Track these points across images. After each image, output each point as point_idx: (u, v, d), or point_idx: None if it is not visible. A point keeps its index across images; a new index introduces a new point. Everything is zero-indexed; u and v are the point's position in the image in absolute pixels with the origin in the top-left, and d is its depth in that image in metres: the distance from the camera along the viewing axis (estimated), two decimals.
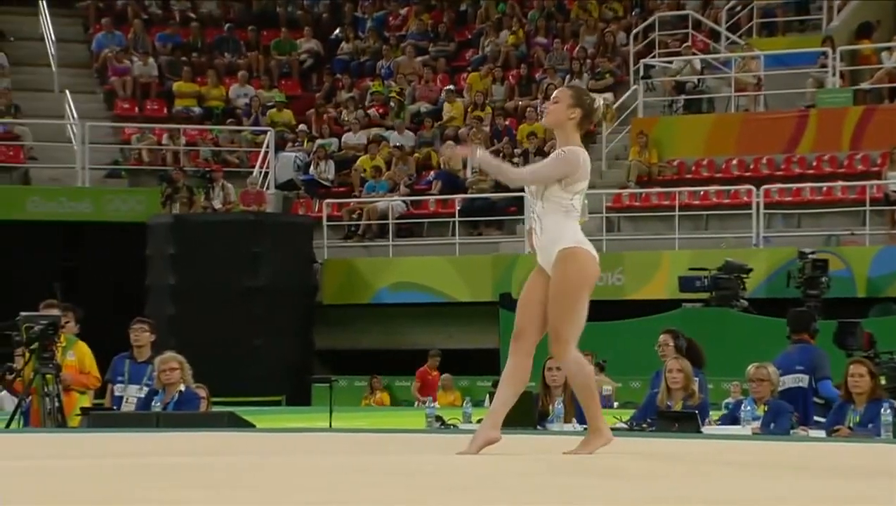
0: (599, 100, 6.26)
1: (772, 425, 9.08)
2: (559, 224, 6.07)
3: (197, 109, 23.78)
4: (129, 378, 10.26)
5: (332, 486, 4.80)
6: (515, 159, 21.58)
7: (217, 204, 21.22)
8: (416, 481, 4.90)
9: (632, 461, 5.83)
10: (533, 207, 6.18)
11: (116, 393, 10.29)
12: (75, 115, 22.54)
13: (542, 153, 21.74)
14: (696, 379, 9.41)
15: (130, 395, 10.16)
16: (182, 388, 9.70)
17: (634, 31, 23.14)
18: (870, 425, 8.56)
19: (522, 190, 21.84)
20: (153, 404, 9.62)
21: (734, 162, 20.62)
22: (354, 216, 21.69)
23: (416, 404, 10.45)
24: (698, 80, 22.01)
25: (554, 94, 6.26)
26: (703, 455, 6.32)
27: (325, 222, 21.07)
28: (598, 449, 6.05)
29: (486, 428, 6.11)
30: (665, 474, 5.29)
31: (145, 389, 10.05)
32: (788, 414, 9.30)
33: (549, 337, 6.19)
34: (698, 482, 4.95)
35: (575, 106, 6.15)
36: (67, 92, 22.97)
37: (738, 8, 23.36)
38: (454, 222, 20.73)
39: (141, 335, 10.34)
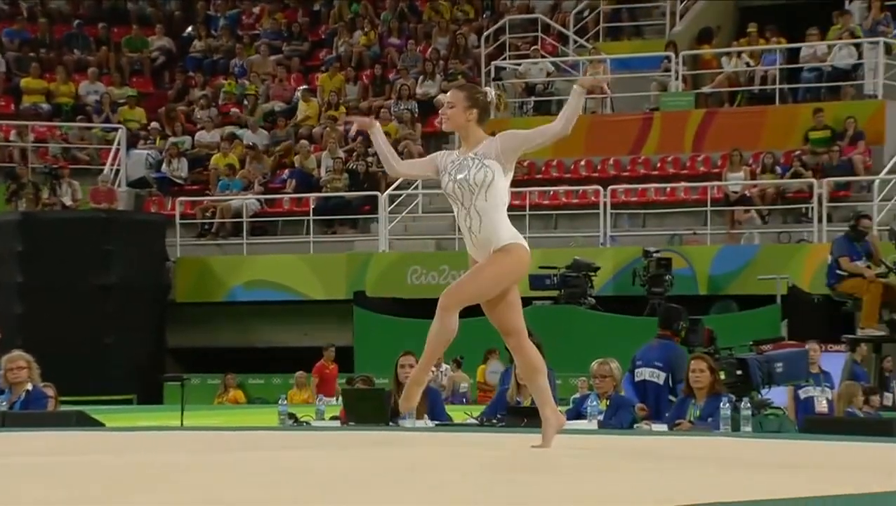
0: (490, 92, 6.30)
1: (612, 419, 9.24)
2: (498, 219, 6.12)
3: (46, 106, 23.24)
4: None
5: (188, 484, 4.74)
6: (370, 158, 21.60)
7: (67, 201, 20.77)
8: (270, 480, 4.87)
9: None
10: (464, 204, 6.09)
11: None
12: None
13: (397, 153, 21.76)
14: None
15: None
16: (29, 387, 9.47)
17: (486, 33, 23.33)
18: (709, 419, 8.76)
19: (376, 189, 21.74)
20: None
21: (582, 163, 20.92)
22: (208, 214, 21.44)
23: (318, 401, 10.49)
24: (548, 82, 22.28)
25: (447, 99, 6.25)
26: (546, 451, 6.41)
27: (178, 220, 20.77)
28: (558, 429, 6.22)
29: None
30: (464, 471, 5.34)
31: None
32: (630, 408, 9.48)
33: (502, 331, 6.21)
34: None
35: (471, 107, 6.20)
36: None
37: (586, 12, 23.71)
38: (308, 221, 20.64)
39: None
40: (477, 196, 6.09)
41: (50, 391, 9.77)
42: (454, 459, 5.85)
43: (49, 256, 19.06)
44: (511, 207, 20.26)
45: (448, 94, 6.32)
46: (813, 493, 4.40)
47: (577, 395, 11.48)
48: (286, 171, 22.09)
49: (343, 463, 5.59)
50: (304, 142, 22.20)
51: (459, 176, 6.11)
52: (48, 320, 18.32)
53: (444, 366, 18.00)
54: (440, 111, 6.27)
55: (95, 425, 8.89)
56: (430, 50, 23.47)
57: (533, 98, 22.21)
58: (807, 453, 6.30)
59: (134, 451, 6.22)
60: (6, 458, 5.93)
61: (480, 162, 6.12)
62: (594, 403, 9.12)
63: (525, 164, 21.44)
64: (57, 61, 23.88)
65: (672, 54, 21.49)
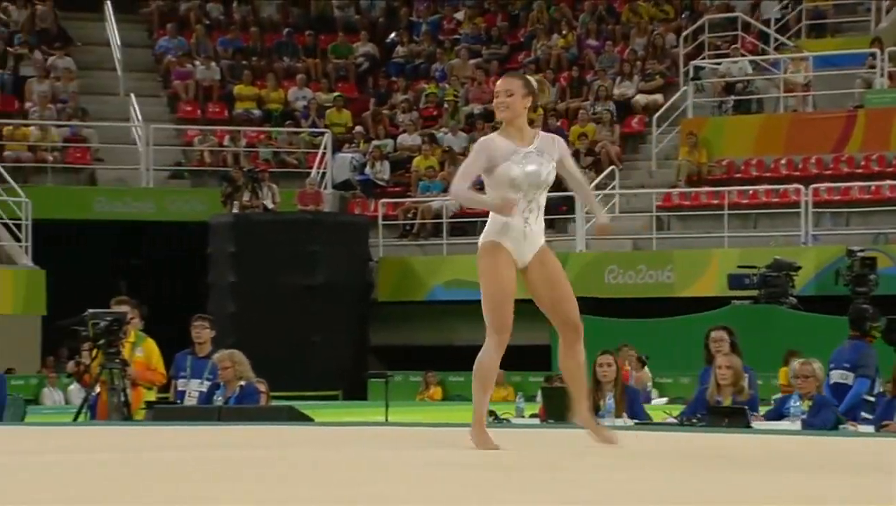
0: (534, 81, 6.23)
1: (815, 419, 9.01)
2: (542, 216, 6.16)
3: (257, 112, 23.94)
4: (190, 373, 10.35)
5: (399, 478, 4.83)
6: None
7: (269, 204, 21.29)
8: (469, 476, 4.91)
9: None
10: (526, 196, 6.05)
11: (179, 388, 10.38)
12: (140, 117, 22.78)
13: (592, 153, 21.69)
14: (747, 375, 9.37)
15: (192, 389, 10.25)
16: (242, 383, 9.77)
17: (684, 32, 23.02)
18: None
19: (565, 189, 21.71)
20: (215, 398, 9.70)
21: (783, 161, 20.46)
22: (409, 215, 21.75)
23: (518, 399, 10.61)
24: (747, 81, 21.87)
25: (503, 87, 6.13)
26: (752, 449, 6.29)
27: (380, 221, 21.13)
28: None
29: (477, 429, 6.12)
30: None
31: (206, 383, 10.14)
32: (832, 409, 9.23)
33: (566, 324, 6.20)
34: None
35: (528, 95, 6.15)
36: (132, 95, 23.22)
37: (788, 9, 23.19)
38: None
39: (202, 332, 10.43)
40: (541, 192, 6.09)
41: (262, 387, 10.05)
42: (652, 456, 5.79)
43: (259, 257, 19.62)
44: (710, 207, 19.96)
45: (502, 82, 6.19)
46: None
47: (779, 395, 11.23)
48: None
49: (543, 456, 5.60)
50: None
51: (530, 168, 6.05)
52: (258, 319, 18.85)
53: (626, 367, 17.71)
54: (496, 101, 6.13)
55: (305, 419, 9.10)
56: (627, 51, 23.29)
57: (732, 97, 21.83)
58: None
59: (346, 445, 6.36)
60: (228, 450, 6.14)
61: (550, 162, 6.11)
62: (796, 403, 8.92)
63: (724, 163, 21.09)
64: (267, 68, 24.58)
65: (877, 51, 20.84)
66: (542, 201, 6.10)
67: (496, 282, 6.16)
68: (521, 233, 6.07)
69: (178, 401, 10.21)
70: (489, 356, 6.26)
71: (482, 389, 6.18)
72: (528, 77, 6.26)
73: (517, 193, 6.02)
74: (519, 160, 6.05)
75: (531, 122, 6.20)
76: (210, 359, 10.17)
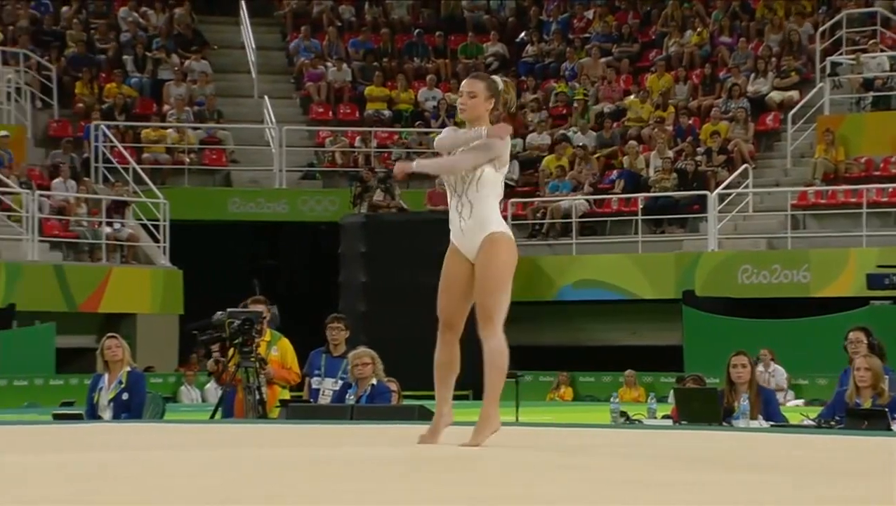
0: (500, 82, 6.16)
1: None
2: (488, 207, 6.09)
3: (387, 112, 24.14)
4: (325, 372, 10.46)
5: (528, 481, 4.82)
6: (699, 158, 21.30)
7: (403, 204, 21.40)
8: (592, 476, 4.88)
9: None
10: (457, 191, 6.06)
11: (313, 386, 10.50)
12: (273, 119, 23.14)
13: (725, 151, 21.39)
14: (887, 377, 9.13)
15: (326, 388, 10.36)
16: (374, 382, 9.84)
17: (821, 28, 22.56)
18: None
19: (706, 188, 21.39)
20: (347, 396, 9.79)
21: None
22: (539, 215, 21.71)
23: (649, 400, 10.52)
24: (887, 77, 21.33)
25: (466, 89, 6.10)
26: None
27: (510, 221, 21.13)
28: (492, 435, 6.04)
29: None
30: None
31: (340, 382, 10.24)
32: None
33: (478, 317, 6.18)
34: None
35: (490, 97, 6.11)
36: (266, 97, 23.60)
37: None
38: (637, 220, 20.55)
39: (338, 334, 10.51)
40: (469, 186, 6.05)
41: (393, 386, 10.11)
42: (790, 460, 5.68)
43: (390, 257, 19.78)
44: (848, 205, 19.47)
45: (466, 83, 6.14)
46: None
47: None
48: (615, 171, 22.08)
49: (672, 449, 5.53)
50: (632, 142, 22.14)
51: None
52: (389, 319, 18.99)
53: (773, 365, 17.50)
54: (459, 101, 6.12)
55: None
56: (762, 47, 22.91)
57: (871, 94, 21.32)
58: None
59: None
60: (368, 449, 6.20)
61: None
62: None
63: (862, 161, 20.62)
64: (398, 69, 24.77)
65: None
66: (476, 199, 6.06)
67: (441, 274, 6.28)
68: (457, 228, 6.15)
69: (313, 400, 10.32)
70: (436, 349, 6.40)
71: (436, 384, 6.34)
72: (494, 78, 6.25)
73: (448, 188, 6.12)
74: (455, 153, 6.12)
75: (494, 123, 6.14)
76: (344, 358, 10.27)
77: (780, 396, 16.06)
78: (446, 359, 6.35)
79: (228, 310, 9.90)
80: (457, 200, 6.12)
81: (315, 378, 10.41)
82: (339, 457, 5.77)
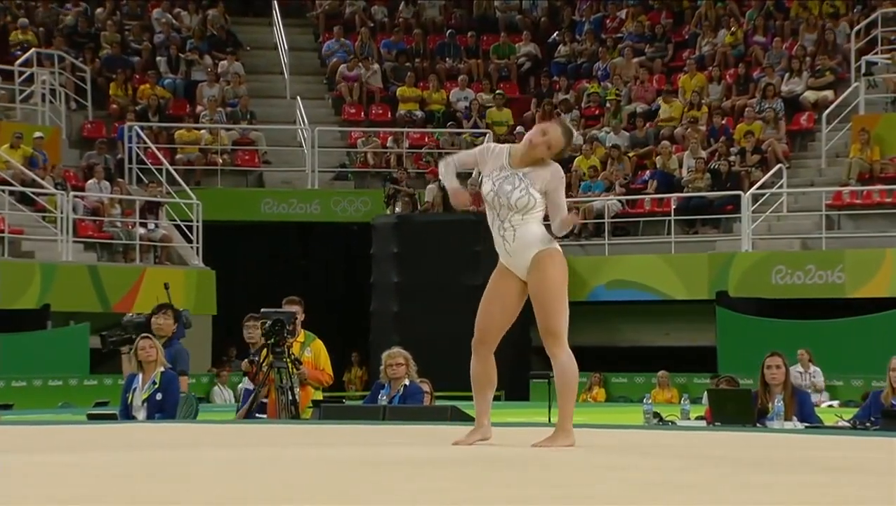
0: (576, 136, 6.31)
1: None
2: (533, 226, 6.19)
3: (419, 113, 24.15)
4: None
5: (569, 479, 4.81)
6: (732, 158, 21.20)
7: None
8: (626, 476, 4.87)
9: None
10: (500, 217, 6.16)
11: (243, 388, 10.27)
12: (306, 120, 23.19)
13: (759, 151, 21.29)
14: None
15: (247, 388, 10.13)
16: (407, 382, 9.85)
17: (856, 27, 22.41)
18: None
19: (739, 188, 21.20)
20: (380, 397, 9.79)
21: None
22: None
23: (683, 401, 10.43)
24: None
25: (549, 134, 6.22)
26: None
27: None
28: (565, 447, 6.06)
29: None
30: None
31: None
32: None
33: (542, 337, 6.27)
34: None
35: (562, 151, 6.28)
36: (298, 98, 23.66)
37: None
38: (670, 221, 20.48)
39: (254, 333, 10.16)
40: (515, 214, 6.17)
41: (426, 387, 10.11)
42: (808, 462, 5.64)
43: (422, 257, 19.79)
44: (883, 205, 19.34)
45: (550, 128, 6.25)
46: None
47: None
48: (647, 171, 22.01)
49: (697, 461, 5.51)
50: (665, 143, 22.06)
51: (503, 189, 6.18)
52: (421, 319, 19.01)
53: (812, 367, 17.35)
54: (536, 138, 6.20)
55: (468, 419, 9.13)
56: (796, 47, 22.78)
57: None
58: None
59: (510, 445, 6.38)
60: (388, 449, 6.21)
61: (527, 188, 6.16)
62: None
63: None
64: (430, 70, 24.77)
65: None
66: (520, 224, 6.16)
67: (487, 288, 6.39)
68: (503, 251, 6.25)
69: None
70: (472, 363, 6.52)
71: (474, 396, 6.47)
72: (573, 134, 6.44)
73: (490, 210, 6.22)
74: (496, 178, 6.22)
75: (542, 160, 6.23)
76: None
77: (816, 397, 15.94)
78: (482, 371, 6.45)
79: (263, 310, 9.90)
80: (499, 225, 6.21)
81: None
82: (393, 457, 5.78)
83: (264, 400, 9.98)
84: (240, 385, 18.73)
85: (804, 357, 17.25)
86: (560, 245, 6.34)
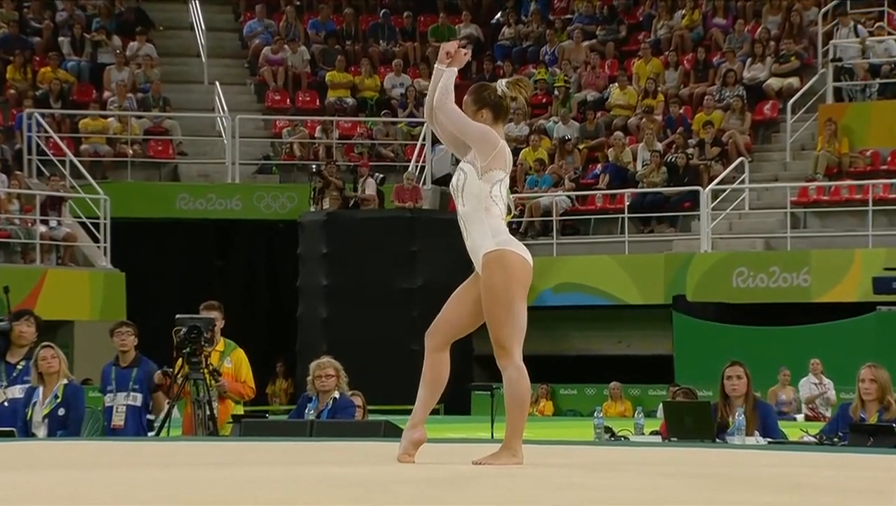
0: (500, 86, 6.14)
1: None
2: (481, 223, 6.08)
3: (350, 100, 24.12)
4: (116, 386, 10.15)
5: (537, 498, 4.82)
6: (690, 150, 21.37)
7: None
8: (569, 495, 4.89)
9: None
10: (458, 210, 6.12)
11: (107, 404, 10.08)
12: (225, 108, 23.09)
13: (719, 143, 21.48)
14: None
15: (119, 404, 9.97)
16: (336, 395, 9.81)
17: (823, 9, 22.68)
18: None
19: (698, 184, 21.42)
20: (307, 411, 9.76)
21: None
22: (516, 213, 21.75)
23: (636, 415, 10.46)
24: (894, 62, 21.48)
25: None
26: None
27: None
28: (511, 465, 6.02)
29: (408, 430, 6.22)
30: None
31: (133, 395, 9.98)
32: None
33: (493, 346, 6.23)
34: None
35: (481, 108, 6.13)
36: (217, 84, 23.55)
37: None
38: (623, 219, 20.61)
39: (126, 340, 10.10)
40: (457, 202, 6.11)
41: (357, 400, 10.07)
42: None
43: (353, 258, 19.77)
44: (852, 202, 19.56)
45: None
46: None
47: None
48: (599, 165, 22.14)
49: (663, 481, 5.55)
50: (618, 134, 22.20)
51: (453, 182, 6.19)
52: (352, 325, 19.00)
53: (825, 379, 17.11)
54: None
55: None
56: (759, 30, 23.02)
57: (877, 81, 21.45)
58: None
59: (453, 464, 6.38)
60: (312, 468, 6.19)
61: (464, 165, 6.12)
62: None
63: (867, 153, 20.75)
64: (362, 53, 24.75)
65: None
66: (464, 214, 6.09)
67: None
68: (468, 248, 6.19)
69: (107, 421, 10.04)
70: (424, 364, 6.49)
71: (421, 396, 6.43)
72: (486, 85, 6.22)
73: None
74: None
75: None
76: (134, 368, 10.12)
77: (827, 410, 15.84)
78: (426, 365, 6.51)
79: (178, 316, 9.82)
80: (460, 220, 6.17)
81: (108, 395, 10.24)
82: (321, 477, 5.76)
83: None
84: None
85: (817, 367, 17.04)
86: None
